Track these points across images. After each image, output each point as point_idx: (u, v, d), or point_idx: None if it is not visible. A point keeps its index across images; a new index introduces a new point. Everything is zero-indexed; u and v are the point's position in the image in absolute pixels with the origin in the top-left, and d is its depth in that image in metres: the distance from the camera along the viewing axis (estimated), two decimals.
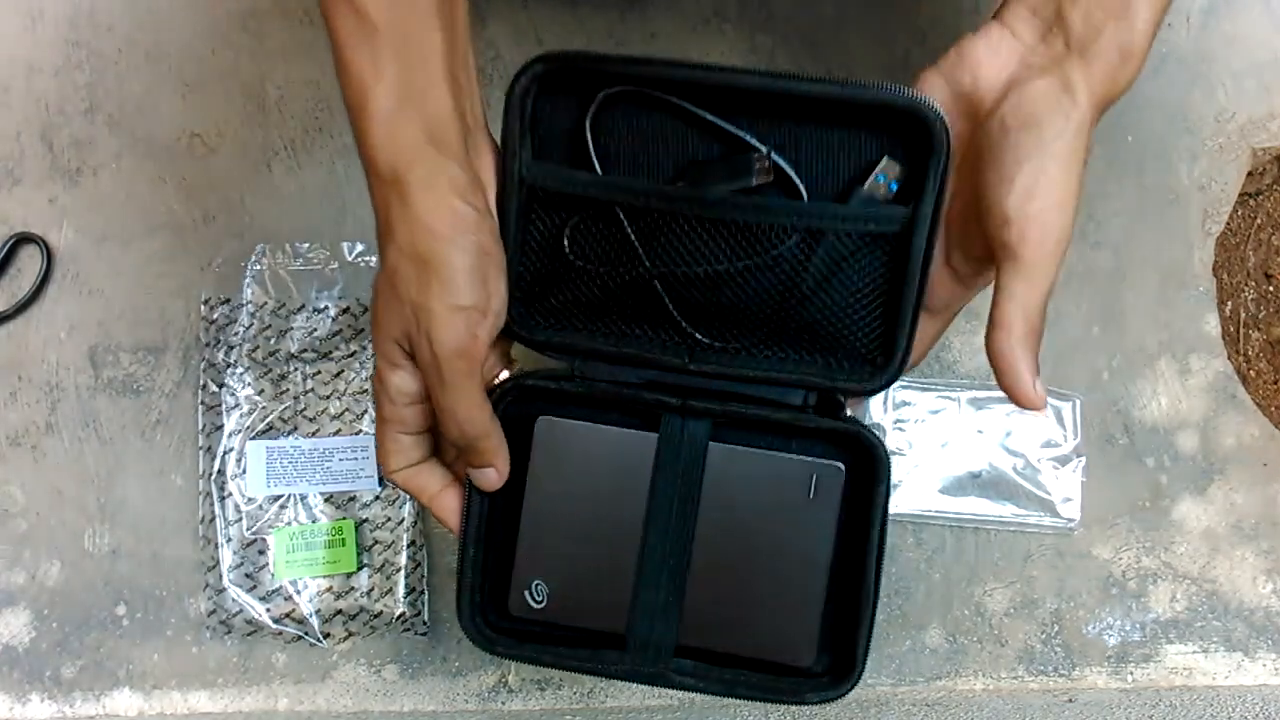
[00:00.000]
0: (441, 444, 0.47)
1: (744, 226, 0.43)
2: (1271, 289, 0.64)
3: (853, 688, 0.46)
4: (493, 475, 0.46)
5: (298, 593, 0.62)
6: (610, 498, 0.47)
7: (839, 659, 0.47)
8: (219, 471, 0.62)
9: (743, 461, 0.47)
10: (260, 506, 0.62)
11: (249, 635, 0.63)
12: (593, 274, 0.45)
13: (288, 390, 0.63)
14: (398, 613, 0.62)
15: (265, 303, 0.64)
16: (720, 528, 0.47)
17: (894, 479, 0.63)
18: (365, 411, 0.63)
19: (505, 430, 0.46)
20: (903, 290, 0.44)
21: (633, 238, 0.44)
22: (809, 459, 0.47)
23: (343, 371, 0.63)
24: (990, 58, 0.42)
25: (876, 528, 0.46)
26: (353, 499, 0.63)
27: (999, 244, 0.41)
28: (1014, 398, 0.42)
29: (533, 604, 0.48)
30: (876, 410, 0.64)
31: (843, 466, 0.47)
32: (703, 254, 0.44)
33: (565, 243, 0.45)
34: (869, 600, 0.46)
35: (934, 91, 0.43)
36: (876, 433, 0.51)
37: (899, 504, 0.63)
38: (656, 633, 0.47)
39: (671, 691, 0.63)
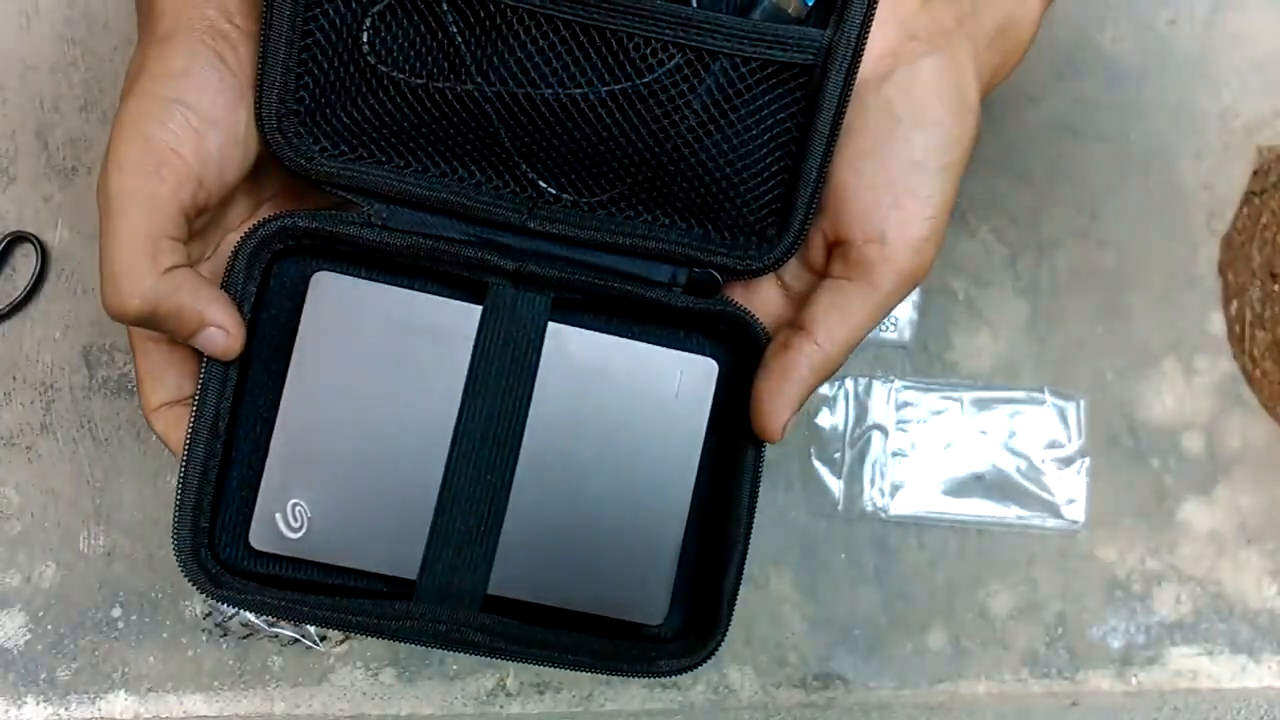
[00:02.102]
0: None
1: (612, 36, 0.33)
2: (1277, 288, 0.64)
3: (712, 654, 0.37)
4: (216, 335, 0.34)
5: None
6: (409, 389, 0.36)
7: (697, 616, 0.38)
8: None
9: (589, 349, 0.37)
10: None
11: (245, 638, 0.62)
12: (401, 85, 0.34)
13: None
14: None
15: None
16: (554, 437, 0.36)
17: (896, 480, 0.63)
18: None
19: (264, 295, 0.36)
20: (809, 142, 0.34)
21: (458, 38, 0.33)
22: (673, 351, 0.37)
23: None
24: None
25: (753, 444, 0.37)
26: None
27: (856, 256, 0.35)
28: (756, 427, 0.36)
29: (287, 533, 0.35)
30: (879, 411, 0.63)
31: (715, 363, 0.38)
32: (553, 71, 0.33)
33: (364, 37, 0.34)
34: (739, 539, 0.37)
35: None
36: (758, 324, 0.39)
37: (901, 506, 0.63)
38: (459, 578, 0.35)
39: (670, 695, 0.62)
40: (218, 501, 0.36)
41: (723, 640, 0.36)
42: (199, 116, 0.33)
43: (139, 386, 0.36)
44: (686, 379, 0.37)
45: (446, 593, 0.36)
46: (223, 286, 0.36)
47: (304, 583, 0.36)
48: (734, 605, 0.37)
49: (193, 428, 0.35)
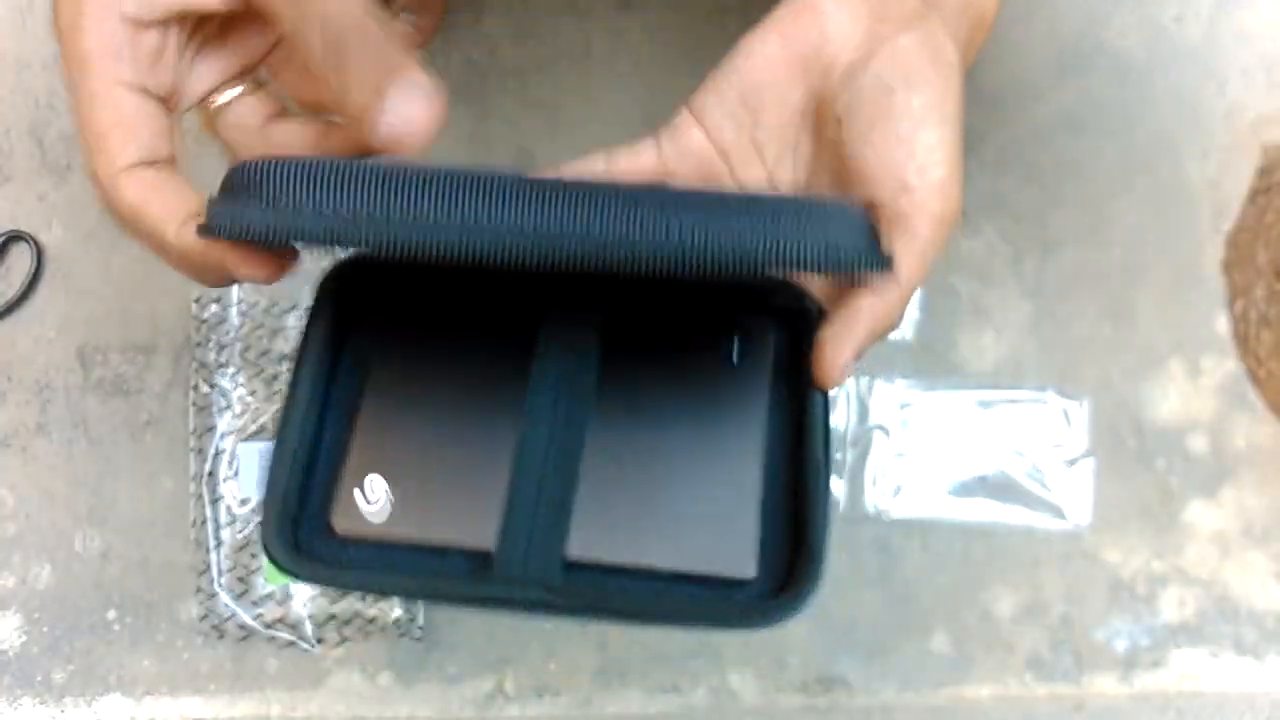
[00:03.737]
0: None
1: None
2: None
3: (814, 593, 0.36)
4: (424, 91, 0.30)
5: (291, 597, 0.61)
6: (478, 368, 0.38)
7: (788, 567, 0.38)
8: (210, 473, 0.62)
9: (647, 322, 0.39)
10: (253, 509, 0.62)
11: (241, 640, 0.62)
12: None
13: (280, 391, 0.62)
14: (393, 618, 0.61)
15: (257, 302, 0.63)
16: (621, 402, 0.38)
17: (899, 481, 0.63)
18: None
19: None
20: None
21: None
22: (729, 318, 0.39)
23: None
24: (837, 11, 0.38)
25: (818, 396, 0.38)
26: None
27: (890, 214, 0.37)
28: (817, 375, 0.37)
29: (368, 515, 0.36)
30: (882, 411, 0.63)
31: (771, 325, 0.39)
32: None
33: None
34: (819, 489, 0.37)
35: (769, 50, 0.39)
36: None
37: (904, 507, 0.62)
38: (536, 544, 0.36)
39: (671, 699, 0.62)
40: (306, 487, 0.36)
41: (820, 579, 0.36)
42: None
43: (97, 142, 0.30)
44: (746, 345, 0.39)
45: (526, 560, 0.36)
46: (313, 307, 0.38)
47: (385, 564, 0.37)
48: (826, 550, 0.37)
49: (286, 414, 0.36)
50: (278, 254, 0.32)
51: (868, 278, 0.37)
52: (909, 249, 0.37)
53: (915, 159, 0.36)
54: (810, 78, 0.38)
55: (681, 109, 0.39)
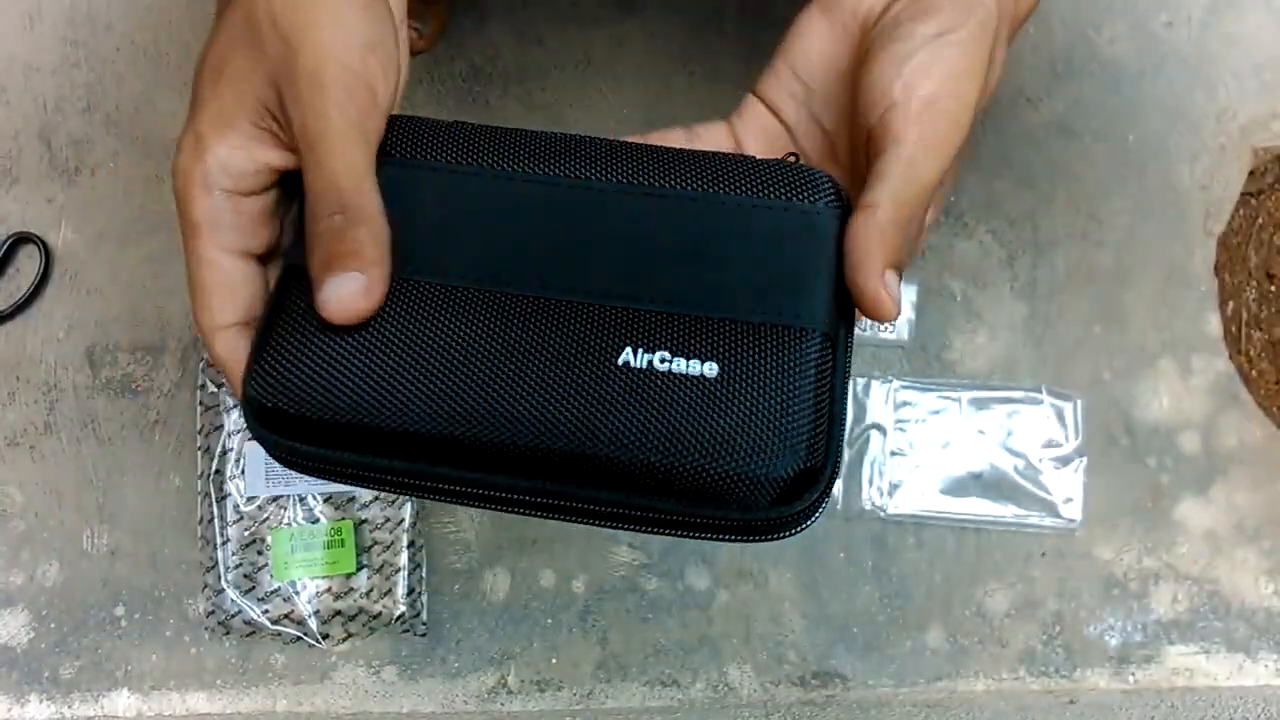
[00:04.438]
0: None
1: None
2: (1273, 289, 0.64)
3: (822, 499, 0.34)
4: (355, 285, 0.31)
5: (296, 593, 0.62)
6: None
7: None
8: (217, 471, 0.62)
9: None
10: (259, 507, 0.62)
11: (248, 636, 0.63)
12: None
13: None
14: (397, 613, 0.62)
15: None
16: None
17: (895, 479, 0.63)
18: None
19: None
20: None
21: None
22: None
23: None
24: None
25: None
26: (352, 499, 0.63)
27: (880, 131, 0.35)
28: (859, 296, 0.35)
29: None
30: (878, 410, 0.64)
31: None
32: None
33: None
34: (842, 392, 0.35)
35: (813, 23, 0.39)
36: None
37: (900, 505, 0.63)
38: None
39: (670, 693, 0.63)
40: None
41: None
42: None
43: (201, 300, 0.33)
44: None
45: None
46: None
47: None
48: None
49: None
50: None
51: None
52: (896, 158, 0.35)
53: (902, 77, 0.35)
54: (851, 39, 0.38)
55: (748, 94, 0.40)
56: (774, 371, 0.34)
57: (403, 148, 0.36)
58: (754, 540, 0.34)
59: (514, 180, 0.36)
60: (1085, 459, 0.63)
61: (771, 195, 0.36)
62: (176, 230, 0.34)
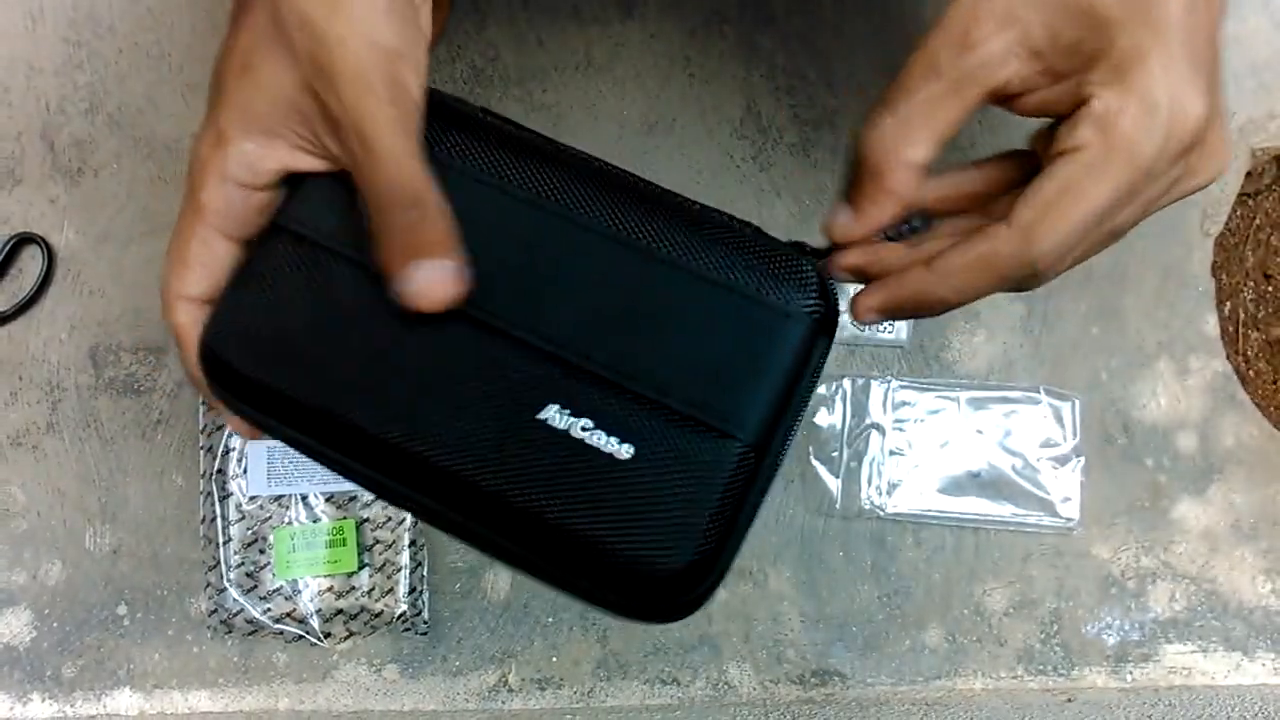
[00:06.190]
0: None
1: None
2: (1270, 289, 0.64)
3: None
4: (444, 273, 0.33)
5: (298, 592, 0.62)
6: None
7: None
8: (220, 471, 0.62)
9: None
10: (261, 506, 0.62)
11: (250, 635, 0.63)
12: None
13: None
14: (398, 612, 0.62)
15: None
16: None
17: (893, 478, 0.64)
18: None
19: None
20: None
21: None
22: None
23: None
24: None
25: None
26: (354, 498, 0.63)
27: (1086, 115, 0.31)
28: (855, 309, 0.35)
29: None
30: (876, 410, 0.64)
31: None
32: None
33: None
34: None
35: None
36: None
37: (898, 504, 0.63)
38: None
39: (670, 691, 0.63)
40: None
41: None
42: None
43: (179, 270, 0.34)
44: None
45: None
46: None
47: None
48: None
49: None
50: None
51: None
52: (1089, 170, 0.31)
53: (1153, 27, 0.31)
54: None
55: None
56: (684, 470, 0.33)
57: (432, 134, 0.36)
58: (631, 619, 0.35)
59: (509, 196, 0.36)
60: (1083, 459, 0.63)
61: (750, 284, 0.35)
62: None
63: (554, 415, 0.33)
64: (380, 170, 0.32)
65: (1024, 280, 0.33)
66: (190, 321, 0.35)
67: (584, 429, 0.33)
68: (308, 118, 0.33)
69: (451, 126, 0.36)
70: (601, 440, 0.33)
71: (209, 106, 0.34)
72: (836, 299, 0.36)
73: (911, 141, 0.34)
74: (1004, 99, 0.34)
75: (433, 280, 0.33)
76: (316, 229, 0.35)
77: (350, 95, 0.31)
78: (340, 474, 0.36)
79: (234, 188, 0.34)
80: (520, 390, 0.34)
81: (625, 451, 0.33)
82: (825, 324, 0.35)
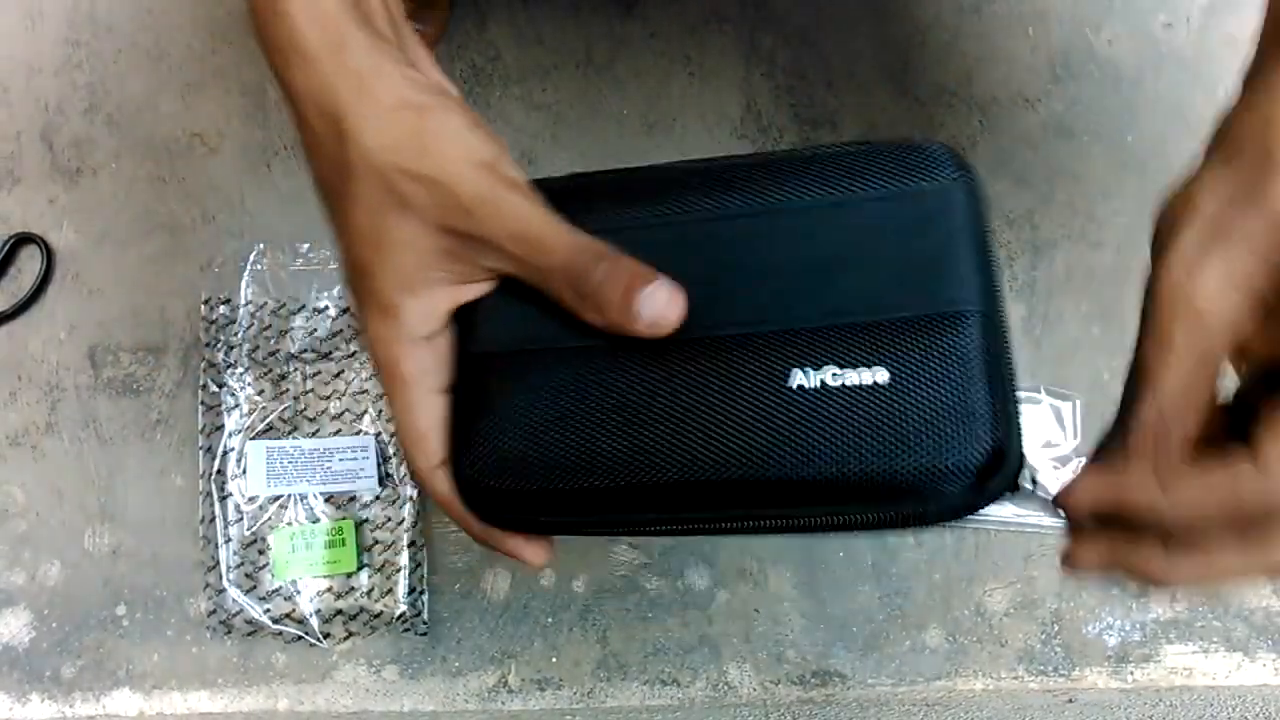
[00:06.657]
0: None
1: None
2: None
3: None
4: (665, 293, 0.34)
5: (298, 593, 0.62)
6: None
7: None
8: (219, 471, 0.62)
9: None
10: (260, 506, 0.62)
11: (249, 635, 0.63)
12: None
13: (288, 390, 0.63)
14: (398, 613, 0.62)
15: (265, 303, 0.64)
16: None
17: None
18: (365, 412, 0.63)
19: None
20: None
21: None
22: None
23: (343, 372, 0.63)
24: None
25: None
26: (353, 499, 0.63)
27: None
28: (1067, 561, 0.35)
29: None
30: None
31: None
32: None
33: None
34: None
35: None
36: None
37: None
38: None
39: (671, 692, 0.63)
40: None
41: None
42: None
43: (418, 446, 0.36)
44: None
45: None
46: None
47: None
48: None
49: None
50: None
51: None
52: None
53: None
54: None
55: None
56: (944, 364, 0.33)
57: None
58: (955, 522, 0.36)
59: (636, 229, 0.36)
60: (1084, 459, 0.63)
61: (893, 183, 0.35)
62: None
63: (801, 379, 0.33)
64: (552, 248, 0.34)
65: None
66: (450, 488, 0.36)
67: (834, 375, 0.33)
68: (455, 254, 0.35)
69: (561, 200, 0.37)
70: (854, 377, 0.33)
71: (360, 296, 0.36)
72: (970, 164, 0.37)
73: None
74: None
75: (659, 300, 0.34)
76: (504, 341, 0.36)
77: (485, 212, 0.33)
78: (636, 534, 0.37)
79: (421, 346, 0.36)
80: (760, 377, 0.34)
81: (881, 376, 0.33)
82: (972, 185, 0.36)
